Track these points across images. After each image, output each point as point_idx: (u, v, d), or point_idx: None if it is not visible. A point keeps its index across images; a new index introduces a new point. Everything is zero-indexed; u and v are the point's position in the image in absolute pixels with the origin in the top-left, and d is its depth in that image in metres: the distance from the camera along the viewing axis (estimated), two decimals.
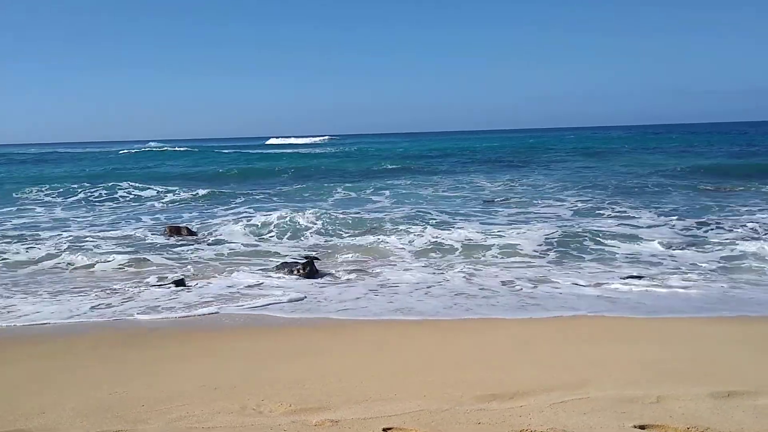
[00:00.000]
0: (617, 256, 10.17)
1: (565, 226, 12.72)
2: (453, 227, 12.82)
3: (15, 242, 12.08)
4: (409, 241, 11.63)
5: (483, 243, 11.19)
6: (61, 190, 22.60)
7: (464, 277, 8.82)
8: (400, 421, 3.82)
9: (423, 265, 9.78)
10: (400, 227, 12.89)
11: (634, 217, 13.83)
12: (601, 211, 14.99)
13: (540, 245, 10.89)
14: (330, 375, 4.91)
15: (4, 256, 10.85)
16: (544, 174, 26.27)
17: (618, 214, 14.49)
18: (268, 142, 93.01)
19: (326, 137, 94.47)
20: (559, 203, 16.95)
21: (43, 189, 22.66)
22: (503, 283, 8.44)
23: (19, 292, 8.46)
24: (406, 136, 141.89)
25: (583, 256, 10.22)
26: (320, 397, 4.34)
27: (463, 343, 5.88)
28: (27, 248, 11.40)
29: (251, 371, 5.12)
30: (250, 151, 55.39)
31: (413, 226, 12.90)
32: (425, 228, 12.68)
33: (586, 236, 11.43)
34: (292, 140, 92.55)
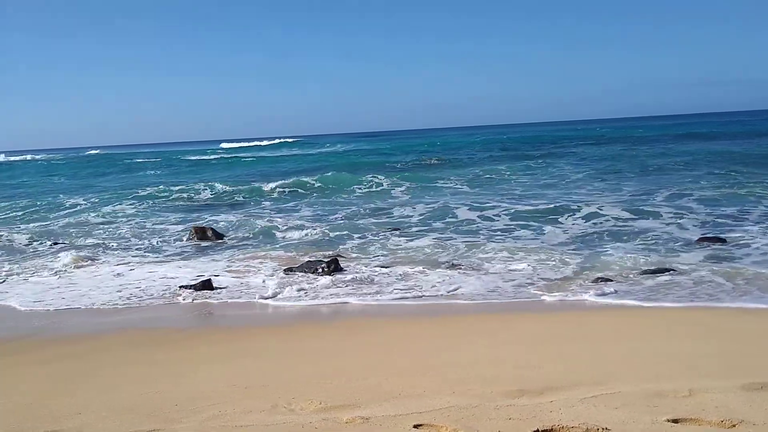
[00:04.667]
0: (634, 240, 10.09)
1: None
2: None
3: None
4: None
5: None
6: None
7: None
8: (430, 418, 3.83)
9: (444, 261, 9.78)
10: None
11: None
12: None
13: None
14: (358, 372, 4.94)
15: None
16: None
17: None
18: (222, 145, 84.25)
19: (279, 139, 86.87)
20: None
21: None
22: (525, 280, 8.42)
23: None
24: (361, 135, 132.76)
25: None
26: (350, 395, 4.37)
27: (488, 339, 5.88)
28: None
29: (280, 370, 5.17)
30: (243, 156, 54.98)
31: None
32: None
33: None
34: (248, 144, 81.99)
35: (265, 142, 79.42)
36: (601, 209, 13.99)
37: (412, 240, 11.62)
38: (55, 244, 12.83)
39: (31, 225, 15.93)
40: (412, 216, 14.76)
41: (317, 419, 3.96)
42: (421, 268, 9.20)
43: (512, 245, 10.57)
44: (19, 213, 18.48)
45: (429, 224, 13.29)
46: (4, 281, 9.66)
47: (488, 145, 48.76)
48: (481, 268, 9.11)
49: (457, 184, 20.69)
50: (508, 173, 23.65)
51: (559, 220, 12.75)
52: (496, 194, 18.15)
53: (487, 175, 23.46)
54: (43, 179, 35.94)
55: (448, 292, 7.85)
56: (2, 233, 14.31)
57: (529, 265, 9.02)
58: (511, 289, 7.86)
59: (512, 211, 14.40)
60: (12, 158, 69.33)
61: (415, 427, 3.73)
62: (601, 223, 12.03)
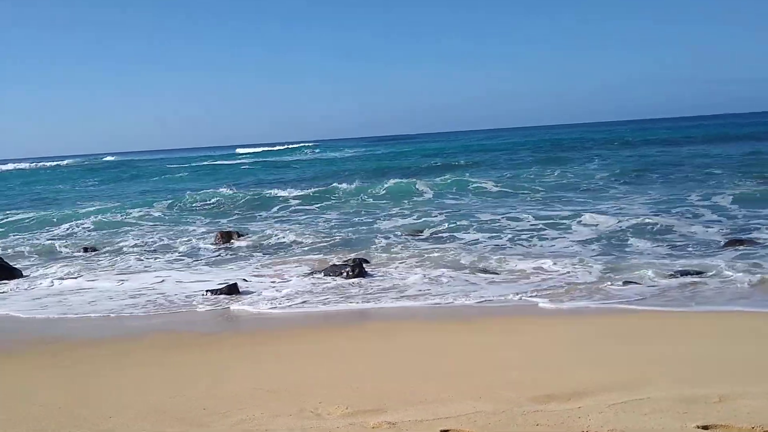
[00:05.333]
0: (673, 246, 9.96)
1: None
2: None
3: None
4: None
5: None
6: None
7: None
8: (456, 423, 3.82)
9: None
10: None
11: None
12: None
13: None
14: (384, 376, 4.95)
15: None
16: None
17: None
18: (237, 150, 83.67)
19: (292, 144, 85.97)
20: None
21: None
22: (552, 283, 8.36)
23: None
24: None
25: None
26: (376, 399, 4.37)
27: (514, 343, 5.85)
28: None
29: (306, 373, 5.19)
30: (268, 159, 55.30)
31: None
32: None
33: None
34: (266, 148, 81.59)
35: (277, 147, 79.47)
36: (629, 211, 13.89)
37: (437, 243, 11.61)
38: (85, 250, 13.02)
39: (61, 230, 16.18)
40: (437, 218, 14.75)
41: (344, 424, 3.97)
42: (447, 271, 9.17)
43: (539, 248, 10.52)
44: (50, 218, 18.76)
45: (456, 227, 13.25)
46: (36, 288, 9.82)
47: (514, 148, 48.39)
48: (508, 271, 9.06)
49: (487, 187, 20.48)
50: (538, 175, 23.41)
51: (585, 222, 12.63)
52: (525, 197, 18.08)
53: (516, 177, 23.31)
54: (71, 186, 36.44)
55: (473, 296, 7.82)
56: (37, 240, 14.58)
57: (555, 268, 8.96)
58: (538, 293, 7.81)
59: (541, 214, 14.34)
60: (36, 165, 70.35)
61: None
62: (629, 225, 11.88)
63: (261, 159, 55.64)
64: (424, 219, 14.87)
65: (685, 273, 8.25)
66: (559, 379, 4.55)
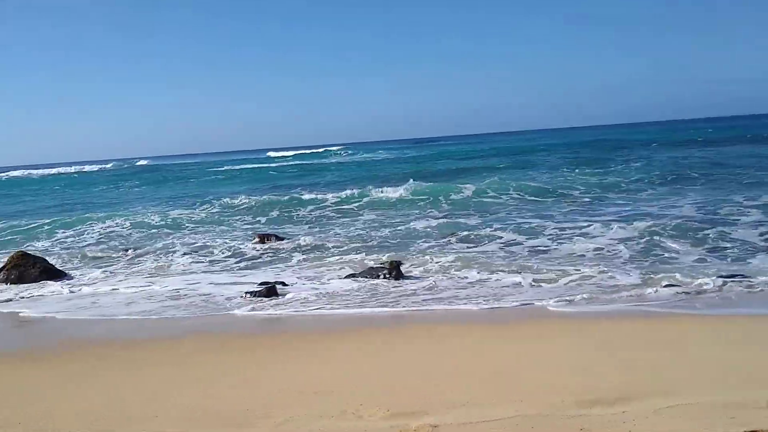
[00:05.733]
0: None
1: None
2: None
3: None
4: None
5: None
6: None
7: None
8: (499, 427, 3.81)
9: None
10: None
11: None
12: None
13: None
14: (424, 379, 4.95)
15: None
16: None
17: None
18: (269, 154, 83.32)
19: (322, 148, 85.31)
20: None
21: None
22: (593, 286, 8.27)
23: None
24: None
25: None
26: (417, 402, 4.38)
27: (556, 347, 5.80)
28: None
29: (347, 375, 5.22)
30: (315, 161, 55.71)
31: None
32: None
33: None
34: (299, 151, 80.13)
35: (309, 150, 79.76)
36: (670, 212, 13.68)
37: (475, 245, 11.57)
38: (126, 252, 13.27)
39: (104, 232, 16.49)
40: (474, 220, 14.71)
41: (386, 426, 3.99)
42: (484, 274, 9.13)
43: (578, 251, 10.40)
44: (94, 220, 19.16)
45: (494, 229, 13.18)
46: (80, 290, 10.04)
47: (549, 149, 47.91)
48: (546, 273, 8.98)
49: (525, 188, 20.26)
50: (578, 177, 23.11)
51: (626, 224, 12.46)
52: (564, 198, 17.92)
53: (554, 178, 23.08)
54: (113, 189, 37.15)
55: (511, 299, 7.78)
56: (82, 242, 14.93)
57: (594, 271, 8.86)
58: (578, 296, 7.73)
59: (580, 215, 14.21)
60: (77, 169, 71.69)
61: None
62: (671, 227, 11.68)
63: (297, 162, 56.07)
64: (461, 221, 14.84)
65: (729, 276, 8.09)
66: (602, 384, 4.50)
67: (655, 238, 10.86)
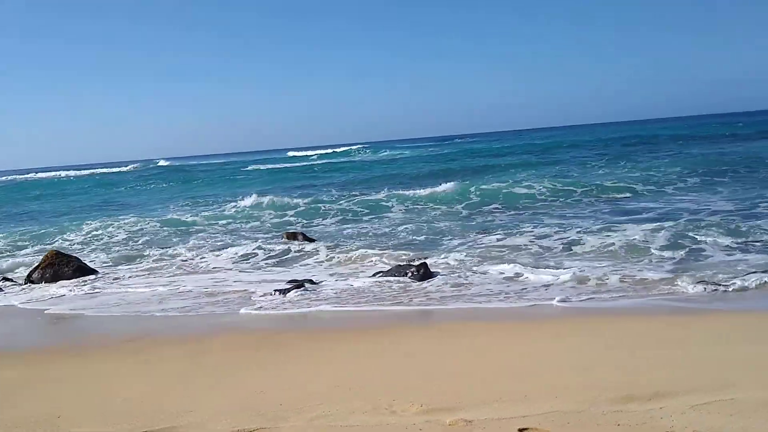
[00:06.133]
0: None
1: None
2: None
3: None
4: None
5: None
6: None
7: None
8: (535, 422, 3.78)
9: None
10: None
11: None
12: None
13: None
14: (457, 375, 4.94)
15: None
16: None
17: None
18: (289, 154, 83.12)
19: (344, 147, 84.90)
20: None
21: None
22: (627, 281, 8.18)
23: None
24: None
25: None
26: (451, 397, 4.37)
27: (591, 343, 5.75)
28: None
29: (379, 371, 5.23)
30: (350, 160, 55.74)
31: None
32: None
33: None
34: (320, 151, 79.44)
35: (329, 150, 79.39)
36: (706, 207, 13.50)
37: (504, 242, 11.50)
38: (159, 249, 13.44)
39: (134, 231, 16.71)
40: (503, 217, 14.65)
41: (420, 421, 3.99)
42: (514, 270, 9.07)
43: (610, 246, 10.29)
44: (123, 220, 19.45)
45: (523, 226, 13.12)
46: (112, 287, 10.19)
47: (580, 145, 47.40)
48: (578, 269, 8.89)
49: (555, 185, 20.02)
50: (608, 172, 22.85)
51: (659, 219, 12.32)
52: (595, 194, 17.75)
53: (583, 174, 22.85)
54: (138, 189, 37.62)
55: (542, 295, 7.73)
56: (113, 241, 15.15)
57: (627, 266, 8.77)
58: (613, 290, 7.66)
59: (612, 211, 14.07)
60: (103, 170, 72.47)
61: (520, 430, 3.70)
62: (706, 222, 11.50)
63: (321, 161, 56.09)
64: (491, 218, 14.80)
65: (765, 272, 7.93)
66: (637, 380, 4.45)
67: (688, 233, 10.69)
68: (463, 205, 17.80)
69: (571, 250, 10.40)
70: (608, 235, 11.09)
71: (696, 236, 10.51)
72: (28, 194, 40.08)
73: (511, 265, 9.39)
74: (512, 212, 15.63)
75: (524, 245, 10.98)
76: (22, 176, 69.16)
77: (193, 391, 5.00)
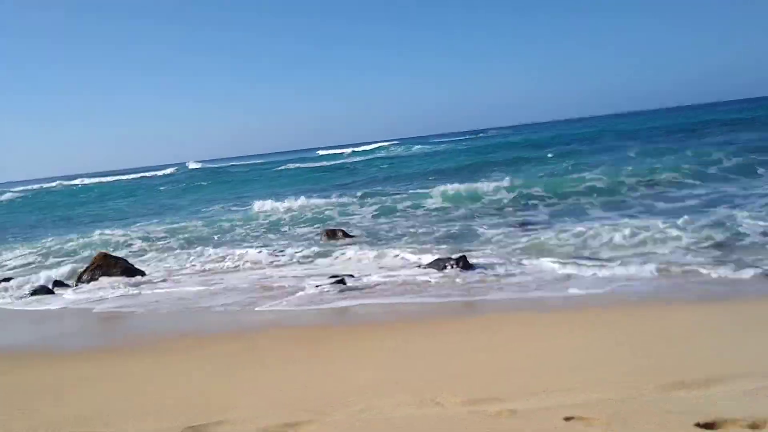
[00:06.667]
0: None
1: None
2: None
3: None
4: None
5: None
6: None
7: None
8: (581, 411, 3.74)
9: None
10: None
11: None
12: None
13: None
14: (500, 367, 4.92)
15: None
16: None
17: None
18: (318, 152, 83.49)
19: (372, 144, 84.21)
20: None
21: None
22: (676, 268, 8.02)
23: None
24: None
25: None
26: (495, 389, 4.35)
27: (632, 332, 5.66)
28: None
29: (423, 365, 5.23)
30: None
31: None
32: None
33: None
34: (351, 149, 79.12)
35: (360, 148, 79.09)
36: (755, 192, 13.14)
37: (543, 234, 11.38)
38: (204, 248, 13.66)
39: (179, 230, 17.01)
40: (543, 209, 14.51)
41: (464, 412, 3.98)
42: (559, 262, 8.96)
43: (654, 236, 10.10)
44: (168, 220, 19.81)
45: (562, 218, 12.97)
46: (164, 280, 10.43)
47: (627, 134, 46.35)
48: (622, 258, 8.76)
49: (595, 175, 19.66)
50: (654, 161, 22.33)
51: (710, 207, 12.06)
52: (638, 183, 17.38)
53: (623, 163, 22.38)
54: (177, 192, 38.20)
55: (584, 285, 7.63)
56: (161, 241, 15.47)
57: (673, 254, 8.61)
58: (654, 279, 7.52)
59: (657, 199, 13.79)
60: (144, 174, 73.43)
61: (566, 419, 3.66)
62: (756, 210, 11.21)
63: (361, 158, 55.98)
64: (529, 211, 14.65)
65: None
66: (686, 366, 4.37)
67: (738, 219, 10.43)
68: (504, 197, 17.62)
69: (617, 240, 10.22)
70: (655, 224, 10.88)
71: (745, 222, 10.25)
72: (83, 198, 41.14)
73: (555, 257, 9.29)
74: (556, 203, 15.43)
75: (568, 237, 10.83)
76: (68, 182, 70.52)
77: (240, 386, 5.08)
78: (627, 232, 10.47)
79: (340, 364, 5.50)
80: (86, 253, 14.78)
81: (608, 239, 10.27)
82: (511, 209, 15.32)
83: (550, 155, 31.40)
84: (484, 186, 19.14)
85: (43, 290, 10.99)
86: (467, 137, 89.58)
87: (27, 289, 11.15)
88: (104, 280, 11.14)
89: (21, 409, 4.93)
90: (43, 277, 11.75)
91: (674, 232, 10.01)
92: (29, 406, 5.03)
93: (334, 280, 9.08)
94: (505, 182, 18.88)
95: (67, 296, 10.45)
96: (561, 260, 9.02)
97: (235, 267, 11.47)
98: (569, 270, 8.50)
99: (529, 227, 12.32)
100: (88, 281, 11.27)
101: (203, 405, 4.64)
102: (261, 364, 5.76)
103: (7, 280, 12.20)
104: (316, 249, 12.29)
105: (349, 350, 5.95)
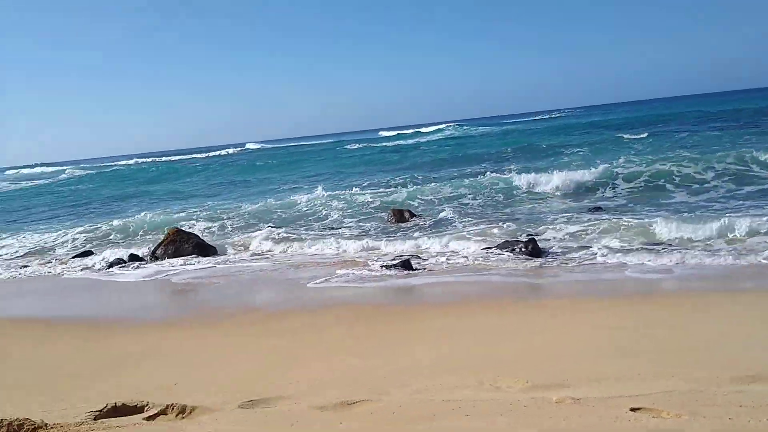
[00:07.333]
0: None
1: None
2: None
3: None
4: None
5: None
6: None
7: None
8: (648, 402, 3.59)
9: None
10: None
11: None
12: None
13: None
14: (564, 352, 4.79)
15: None
16: None
17: None
18: (381, 133, 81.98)
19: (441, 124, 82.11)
20: None
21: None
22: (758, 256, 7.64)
23: None
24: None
25: None
26: (556, 375, 4.24)
27: (704, 320, 5.43)
28: None
29: (484, 347, 5.16)
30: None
31: None
32: None
33: None
34: (412, 130, 77.75)
35: (421, 129, 77.92)
36: None
37: (614, 217, 11.03)
38: (272, 227, 13.89)
39: (253, 210, 17.34)
40: (614, 192, 14.07)
41: (525, 398, 3.88)
42: (630, 247, 8.68)
43: (738, 224, 9.65)
44: (243, 199, 20.23)
45: (634, 201, 12.55)
46: (235, 255, 10.67)
47: (698, 117, 44.40)
48: (701, 242, 8.40)
49: (673, 157, 18.85)
50: (727, 145, 21.31)
51: None
52: (717, 165, 16.58)
53: (699, 144, 21.47)
54: (248, 171, 38.84)
55: (656, 270, 7.35)
56: (230, 219, 15.85)
57: (752, 241, 8.20)
58: (732, 266, 7.17)
59: (734, 184, 13.19)
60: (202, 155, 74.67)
61: (632, 410, 3.52)
62: None
63: (416, 140, 55.23)
64: (599, 194, 14.22)
65: None
66: (759, 359, 4.14)
67: None
68: (573, 180, 17.12)
69: (690, 224, 9.80)
70: (731, 212, 10.38)
71: None
72: (153, 174, 42.45)
73: (625, 241, 9.00)
74: (629, 187, 14.89)
75: (633, 222, 10.47)
76: (141, 159, 72.70)
77: (301, 363, 5.13)
78: (705, 216, 10.03)
79: (399, 342, 5.48)
80: (159, 228, 15.28)
81: (685, 224, 9.86)
82: (582, 192, 14.88)
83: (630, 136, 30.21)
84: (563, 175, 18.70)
85: (119, 263, 11.43)
86: (538, 118, 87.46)
87: (105, 262, 11.62)
88: (177, 255, 11.49)
89: (105, 374, 5.15)
90: (119, 251, 12.21)
91: (753, 216, 9.53)
92: (113, 371, 5.24)
93: (398, 260, 9.06)
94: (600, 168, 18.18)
95: (142, 269, 10.83)
96: (633, 244, 8.74)
97: (304, 245, 11.59)
98: (642, 255, 8.21)
99: (604, 212, 11.95)
100: (162, 255, 11.64)
101: (264, 379, 4.71)
102: (321, 340, 5.81)
103: (87, 254, 12.75)
104: (382, 228, 12.31)
105: (409, 329, 5.93)
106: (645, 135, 29.76)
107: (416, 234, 11.48)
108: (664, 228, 9.46)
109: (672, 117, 44.49)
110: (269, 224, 14.36)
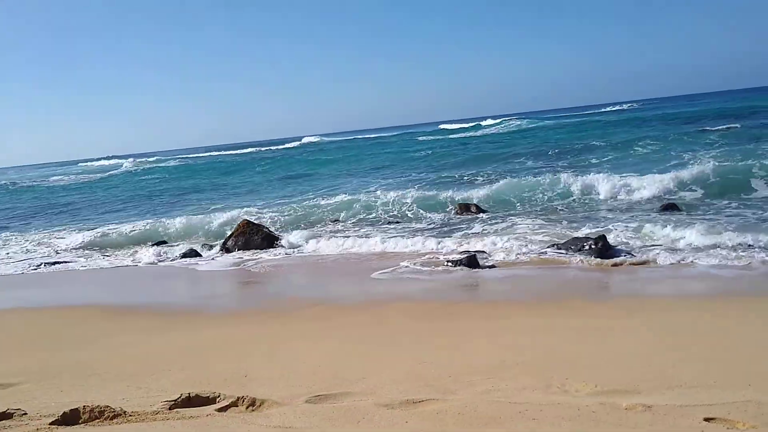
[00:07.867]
0: None
1: None
2: None
3: None
4: None
5: None
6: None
7: None
8: (723, 411, 3.47)
9: None
10: None
11: None
12: None
13: None
14: (636, 355, 4.68)
15: None
16: None
17: None
18: (440, 126, 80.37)
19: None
20: None
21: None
22: None
23: None
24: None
25: None
26: (627, 380, 4.15)
27: None
28: None
29: (551, 347, 5.08)
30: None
31: None
32: None
33: None
34: (471, 123, 76.27)
35: (486, 122, 76.38)
36: None
37: (688, 217, 10.67)
38: (335, 221, 14.06)
39: (310, 204, 17.58)
40: (690, 191, 13.59)
41: (594, 403, 3.81)
42: (709, 246, 8.37)
43: None
44: (305, 193, 20.53)
45: (709, 200, 12.09)
46: (302, 247, 10.83)
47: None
48: None
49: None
50: None
51: None
52: None
53: None
54: (313, 165, 39.19)
55: (737, 268, 7.08)
56: (291, 213, 16.11)
57: None
58: None
59: None
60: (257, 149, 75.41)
61: (707, 420, 3.41)
62: None
63: (475, 133, 54.67)
64: (674, 191, 13.76)
65: None
66: None
67: None
68: (643, 176, 16.61)
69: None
70: None
71: None
72: (222, 168, 43.39)
73: (700, 241, 8.70)
74: (706, 183, 14.32)
75: (716, 221, 10.09)
76: (189, 156, 74.22)
77: (367, 358, 5.17)
78: None
79: (465, 341, 5.45)
80: (230, 220, 15.64)
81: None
82: (654, 189, 14.41)
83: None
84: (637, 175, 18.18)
85: (192, 254, 11.80)
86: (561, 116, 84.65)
87: (177, 252, 12.02)
88: (246, 247, 11.78)
89: (182, 363, 5.33)
90: (192, 242, 12.61)
91: None
92: (189, 361, 5.42)
93: (465, 255, 9.02)
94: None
95: (213, 260, 11.15)
96: (705, 244, 8.43)
97: (366, 239, 11.67)
98: (714, 256, 7.91)
99: (678, 209, 11.57)
100: (233, 247, 11.94)
101: (330, 375, 4.77)
102: (387, 337, 5.84)
103: (161, 243, 13.22)
104: (449, 222, 12.28)
105: (475, 328, 5.90)
106: (725, 127, 28.52)
107: (483, 229, 11.40)
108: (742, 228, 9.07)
109: (755, 110, 42.41)
110: (337, 217, 14.51)
